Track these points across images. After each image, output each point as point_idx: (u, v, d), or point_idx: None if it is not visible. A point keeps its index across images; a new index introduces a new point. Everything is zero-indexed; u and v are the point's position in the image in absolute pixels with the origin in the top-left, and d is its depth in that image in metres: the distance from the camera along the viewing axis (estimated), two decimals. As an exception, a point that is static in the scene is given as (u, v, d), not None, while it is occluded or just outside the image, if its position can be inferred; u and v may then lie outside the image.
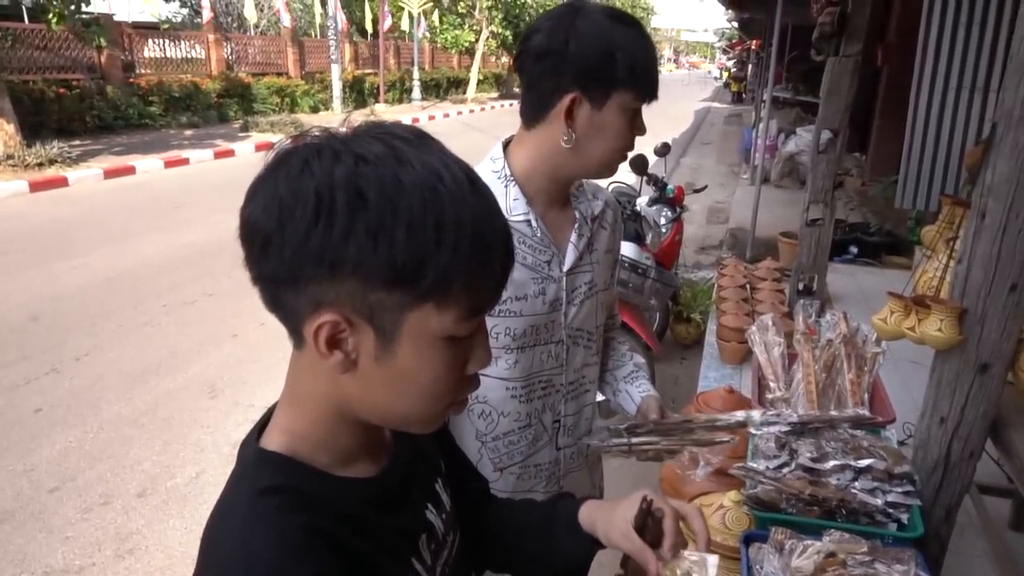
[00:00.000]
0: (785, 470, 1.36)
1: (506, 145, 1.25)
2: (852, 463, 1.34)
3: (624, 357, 1.49)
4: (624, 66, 1.10)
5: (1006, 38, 2.67)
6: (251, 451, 0.66)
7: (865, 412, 1.52)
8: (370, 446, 0.70)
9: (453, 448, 0.92)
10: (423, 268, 0.54)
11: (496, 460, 1.29)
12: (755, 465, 1.36)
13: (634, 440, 1.26)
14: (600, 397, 1.43)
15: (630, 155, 1.28)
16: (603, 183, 1.45)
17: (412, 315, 0.57)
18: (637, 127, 1.17)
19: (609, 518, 0.83)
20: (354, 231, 0.53)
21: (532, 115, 1.18)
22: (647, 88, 1.14)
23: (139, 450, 3.36)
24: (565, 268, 1.24)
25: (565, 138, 1.15)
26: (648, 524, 0.80)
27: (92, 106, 12.42)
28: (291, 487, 0.62)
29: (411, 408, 0.63)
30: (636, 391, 1.40)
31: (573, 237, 1.26)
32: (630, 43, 1.11)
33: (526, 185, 1.21)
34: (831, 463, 1.34)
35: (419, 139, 0.59)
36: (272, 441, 0.66)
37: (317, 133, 0.59)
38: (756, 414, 1.30)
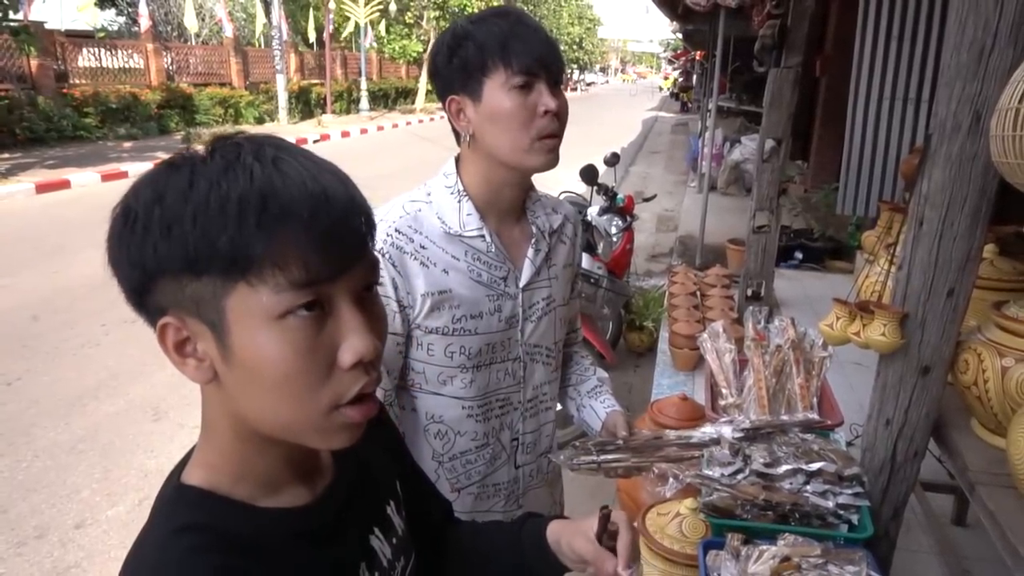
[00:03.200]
0: (739, 476, 1.37)
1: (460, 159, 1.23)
2: (804, 467, 1.36)
3: (587, 371, 1.47)
4: (484, 51, 1.09)
5: (935, 51, 2.79)
6: (170, 487, 0.63)
7: (814, 416, 1.55)
8: (301, 471, 0.67)
9: (414, 471, 0.90)
10: (215, 247, 0.54)
11: (453, 480, 1.27)
12: (710, 472, 1.37)
13: (603, 457, 1.23)
14: (558, 407, 1.42)
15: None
16: (554, 192, 1.43)
17: (230, 300, 0.55)
18: (541, 102, 1.10)
19: (575, 530, 0.85)
20: (150, 230, 0.55)
21: (453, 131, 1.20)
22: (517, 58, 1.08)
23: (77, 478, 3.20)
24: (521, 284, 1.22)
25: (463, 139, 1.17)
26: (606, 534, 0.83)
27: (22, 117, 11.89)
28: (207, 525, 0.59)
29: (284, 411, 0.58)
30: (601, 406, 1.39)
31: (530, 252, 1.24)
32: (484, 29, 1.11)
33: (477, 198, 1.19)
34: (783, 467, 1.36)
35: (250, 139, 0.59)
36: (192, 475, 0.63)
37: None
38: (727, 430, 1.27)
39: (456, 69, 1.12)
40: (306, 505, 0.66)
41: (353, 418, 0.60)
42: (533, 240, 1.24)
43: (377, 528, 0.74)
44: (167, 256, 0.54)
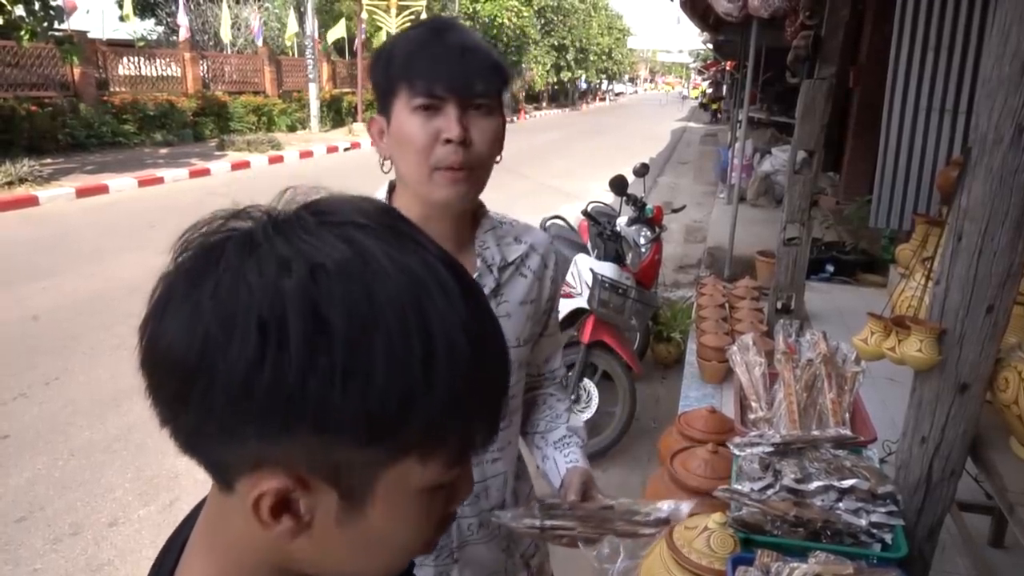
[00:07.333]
0: (770, 491, 1.36)
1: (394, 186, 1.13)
2: (836, 484, 1.34)
3: (559, 419, 1.28)
4: (395, 65, 1.00)
5: (973, 61, 2.74)
6: None
7: (847, 432, 1.53)
8: None
9: None
10: (408, 417, 0.41)
11: None
12: (740, 487, 1.36)
13: (548, 523, 1.05)
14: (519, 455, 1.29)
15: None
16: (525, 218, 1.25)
17: (389, 472, 0.44)
18: (440, 128, 0.98)
19: None
20: (314, 373, 0.39)
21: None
22: (420, 77, 0.97)
23: (111, 477, 3.27)
24: None
25: (381, 163, 1.09)
26: None
27: (64, 124, 12.24)
28: None
29: (379, 567, 0.50)
30: (563, 461, 1.21)
31: None
32: (401, 43, 1.02)
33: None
34: (815, 484, 1.35)
35: (387, 227, 0.45)
36: None
37: (249, 215, 0.45)
38: (684, 507, 1.07)
39: (376, 87, 1.04)
40: None
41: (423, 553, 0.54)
42: (476, 275, 1.10)
43: None
44: (333, 414, 0.40)
